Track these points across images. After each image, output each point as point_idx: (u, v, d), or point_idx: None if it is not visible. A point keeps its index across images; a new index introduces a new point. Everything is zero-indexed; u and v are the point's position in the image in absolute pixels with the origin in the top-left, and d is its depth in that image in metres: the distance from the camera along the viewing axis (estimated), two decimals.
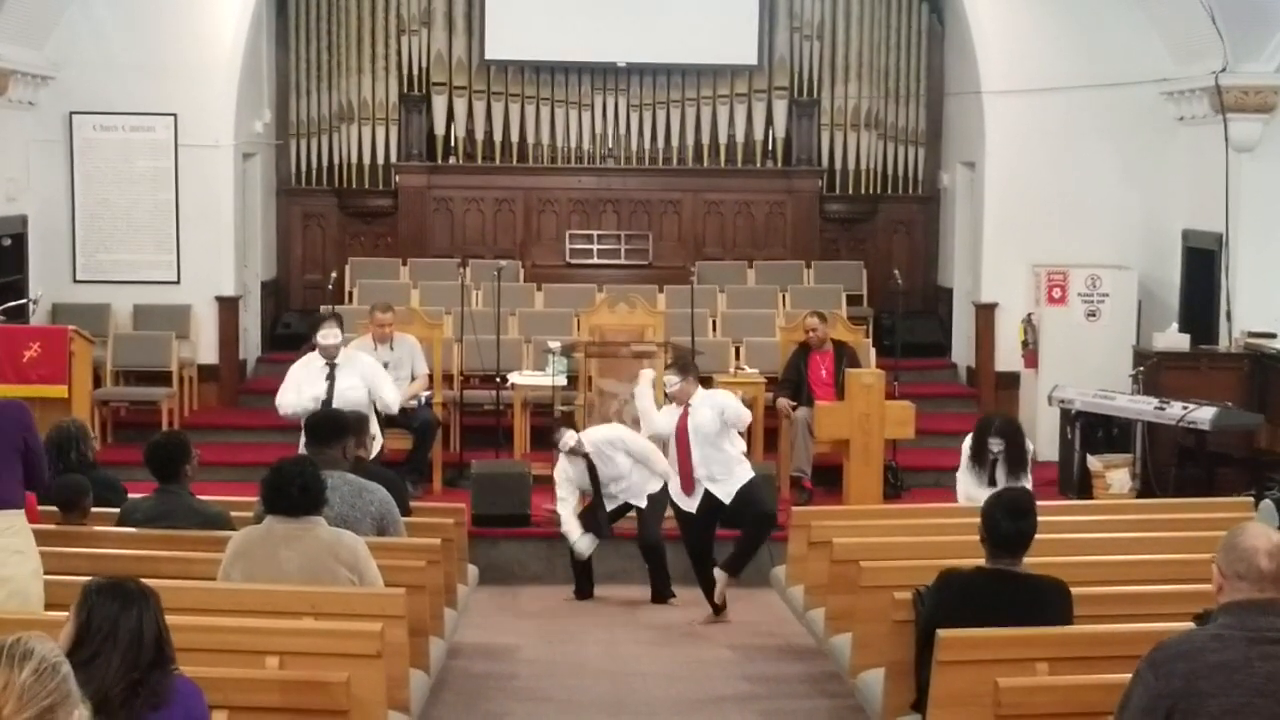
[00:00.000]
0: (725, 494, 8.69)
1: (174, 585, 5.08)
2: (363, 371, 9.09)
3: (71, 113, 12.34)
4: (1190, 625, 3.85)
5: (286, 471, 5.44)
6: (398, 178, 14.55)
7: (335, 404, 8.75)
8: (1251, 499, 8.55)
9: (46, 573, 5.83)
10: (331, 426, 6.76)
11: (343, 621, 5.12)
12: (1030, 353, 12.00)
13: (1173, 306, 12.05)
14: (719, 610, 8.83)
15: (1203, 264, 11.72)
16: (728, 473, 8.71)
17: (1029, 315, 12.04)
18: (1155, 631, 4.12)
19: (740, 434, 8.98)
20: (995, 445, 8.12)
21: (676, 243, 14.64)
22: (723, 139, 14.77)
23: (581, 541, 9.09)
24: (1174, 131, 12.29)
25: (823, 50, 14.66)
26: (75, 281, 12.49)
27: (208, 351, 12.75)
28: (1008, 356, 12.56)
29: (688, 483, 8.73)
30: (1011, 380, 12.53)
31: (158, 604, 3.68)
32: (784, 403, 10.88)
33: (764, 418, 10.85)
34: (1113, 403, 10.47)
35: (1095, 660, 4.88)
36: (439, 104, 14.57)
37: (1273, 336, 10.89)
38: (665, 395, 8.86)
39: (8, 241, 11.75)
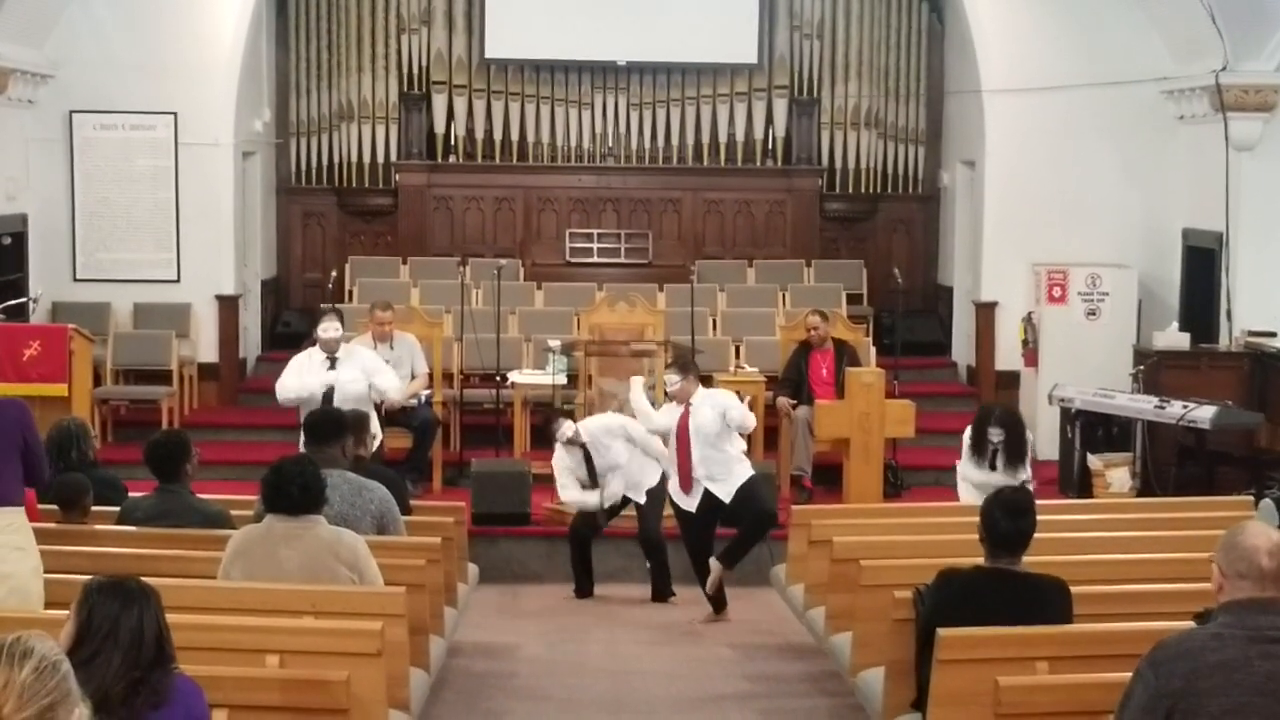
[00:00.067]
0: (725, 493, 8.69)
1: (174, 584, 5.08)
2: (364, 365, 9.13)
3: (71, 111, 12.34)
4: (1190, 624, 3.84)
5: (287, 470, 5.44)
6: (398, 176, 14.55)
7: (336, 396, 8.81)
8: (1251, 498, 8.54)
9: (47, 571, 5.83)
10: (330, 425, 6.77)
11: (343, 620, 5.12)
12: (1030, 352, 12.00)
13: (1173, 305, 12.05)
14: (719, 608, 8.82)
15: (1203, 263, 11.72)
16: (727, 472, 8.70)
17: (1029, 314, 12.05)
18: (1155, 630, 4.12)
19: (741, 435, 8.98)
20: (995, 435, 8.11)
21: (676, 242, 14.64)
22: (723, 138, 14.77)
23: (589, 498, 9.08)
24: (1174, 130, 12.29)
25: (823, 49, 14.66)
26: (75, 280, 12.49)
27: (208, 350, 12.75)
28: (1008, 355, 12.57)
29: (686, 481, 8.73)
30: (1011, 379, 12.53)
31: (158, 603, 3.68)
32: (784, 402, 10.88)
33: (764, 417, 10.85)
34: (1113, 401, 10.46)
35: (1095, 659, 4.88)
36: (439, 103, 14.56)
37: (1273, 335, 10.89)
38: (665, 394, 8.85)
39: (8, 240, 11.74)
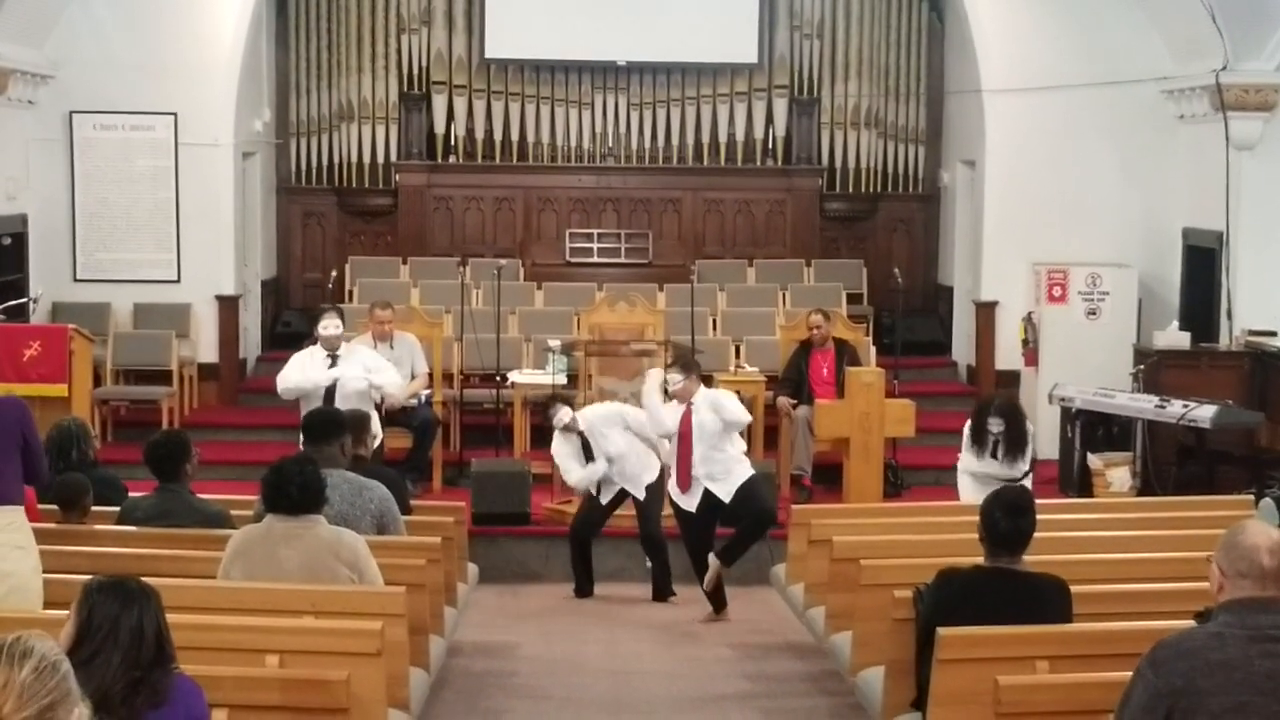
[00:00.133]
0: (725, 493, 8.68)
1: (174, 584, 5.08)
2: (364, 362, 9.14)
3: (71, 112, 12.34)
4: (1191, 623, 3.84)
5: (286, 470, 5.44)
6: (398, 177, 14.55)
7: (338, 392, 8.83)
8: (1252, 497, 8.53)
9: (47, 571, 5.83)
10: (329, 425, 6.77)
11: (343, 620, 5.12)
12: (1030, 351, 12.00)
13: (1173, 305, 12.05)
14: (719, 607, 8.82)
15: (1203, 262, 11.72)
16: (727, 472, 8.69)
17: (1029, 314, 12.04)
18: (1155, 630, 4.13)
19: (740, 434, 8.98)
20: (995, 425, 8.10)
21: (676, 241, 14.64)
22: (723, 138, 14.77)
23: (594, 470, 9.07)
24: (1174, 130, 12.29)
25: (823, 49, 14.66)
26: (75, 280, 12.48)
27: (208, 350, 12.75)
28: (1008, 355, 12.56)
29: (685, 480, 8.72)
30: (1012, 379, 12.52)
31: (158, 602, 3.68)
32: (784, 401, 10.88)
33: (764, 416, 10.86)
34: (1113, 401, 10.46)
35: (1095, 658, 4.88)
36: (439, 103, 14.56)
37: (1273, 334, 10.89)
38: (667, 393, 8.85)
39: (8, 240, 11.74)
